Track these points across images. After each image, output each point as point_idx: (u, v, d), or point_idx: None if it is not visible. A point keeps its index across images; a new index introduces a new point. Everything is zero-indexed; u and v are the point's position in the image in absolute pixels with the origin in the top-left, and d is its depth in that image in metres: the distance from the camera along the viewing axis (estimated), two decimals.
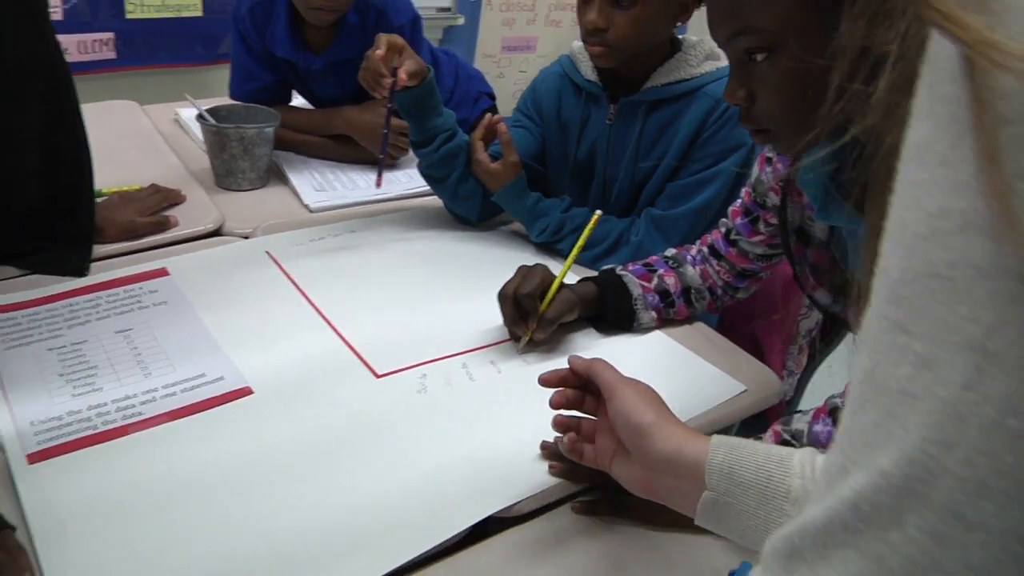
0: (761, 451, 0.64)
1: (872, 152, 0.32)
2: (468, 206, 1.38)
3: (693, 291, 1.17)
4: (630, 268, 1.16)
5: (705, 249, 1.19)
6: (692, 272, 1.17)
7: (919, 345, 0.25)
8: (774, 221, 1.07)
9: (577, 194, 1.37)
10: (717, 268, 1.17)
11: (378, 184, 1.39)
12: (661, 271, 1.16)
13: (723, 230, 1.16)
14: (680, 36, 1.30)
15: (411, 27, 1.55)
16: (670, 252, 1.20)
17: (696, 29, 1.07)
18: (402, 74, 1.21)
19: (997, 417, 0.23)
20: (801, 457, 0.62)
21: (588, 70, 1.32)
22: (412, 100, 1.27)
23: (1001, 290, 0.22)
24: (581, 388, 0.81)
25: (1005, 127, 0.22)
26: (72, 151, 1.12)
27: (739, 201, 1.14)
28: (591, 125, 1.34)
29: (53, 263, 1.15)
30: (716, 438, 0.67)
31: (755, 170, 1.10)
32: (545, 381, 0.82)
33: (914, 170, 0.25)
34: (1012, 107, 0.22)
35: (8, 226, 1.12)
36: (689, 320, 1.19)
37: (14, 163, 1.06)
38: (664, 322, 1.17)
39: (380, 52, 1.21)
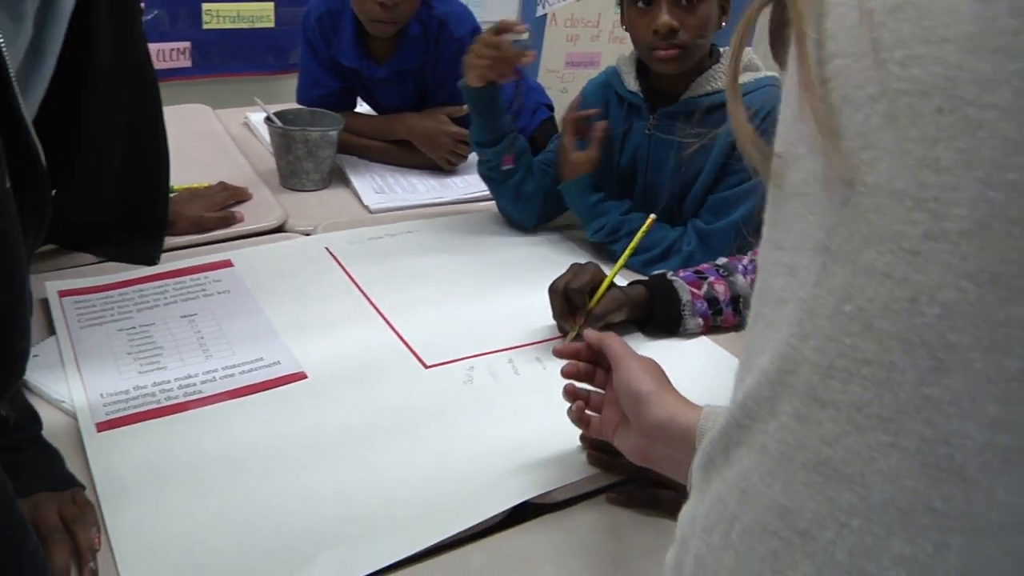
0: None
1: None
2: (528, 208, 1.42)
3: (742, 300, 1.18)
4: (681, 274, 1.17)
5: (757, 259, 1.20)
6: (743, 281, 1.18)
7: (787, 257, 0.29)
8: None
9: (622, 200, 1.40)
10: None
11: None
12: (712, 279, 1.17)
13: None
14: (722, 48, 1.32)
15: (471, 37, 1.59)
16: (721, 260, 1.21)
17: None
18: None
19: (837, 305, 0.26)
20: None
21: (631, 81, 1.35)
22: (487, 97, 1.32)
23: (835, 196, 0.26)
24: (593, 363, 0.85)
25: (833, 60, 0.26)
26: (153, 149, 1.19)
27: None
28: (633, 134, 1.37)
29: (128, 252, 1.22)
30: (708, 408, 0.69)
31: None
32: (559, 352, 0.87)
33: (784, 109, 0.30)
34: (838, 44, 0.26)
35: (91, 217, 1.19)
36: (736, 328, 1.20)
37: (102, 159, 1.13)
38: (710, 329, 1.18)
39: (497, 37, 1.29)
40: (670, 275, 1.17)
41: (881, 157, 0.25)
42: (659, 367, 0.79)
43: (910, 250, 0.25)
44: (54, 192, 1.06)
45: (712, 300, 1.16)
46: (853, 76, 0.26)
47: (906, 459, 0.25)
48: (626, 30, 1.29)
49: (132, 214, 1.22)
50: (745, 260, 1.21)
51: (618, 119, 1.38)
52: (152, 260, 1.23)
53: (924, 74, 0.24)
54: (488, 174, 1.40)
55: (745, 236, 1.29)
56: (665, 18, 1.19)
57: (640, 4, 1.22)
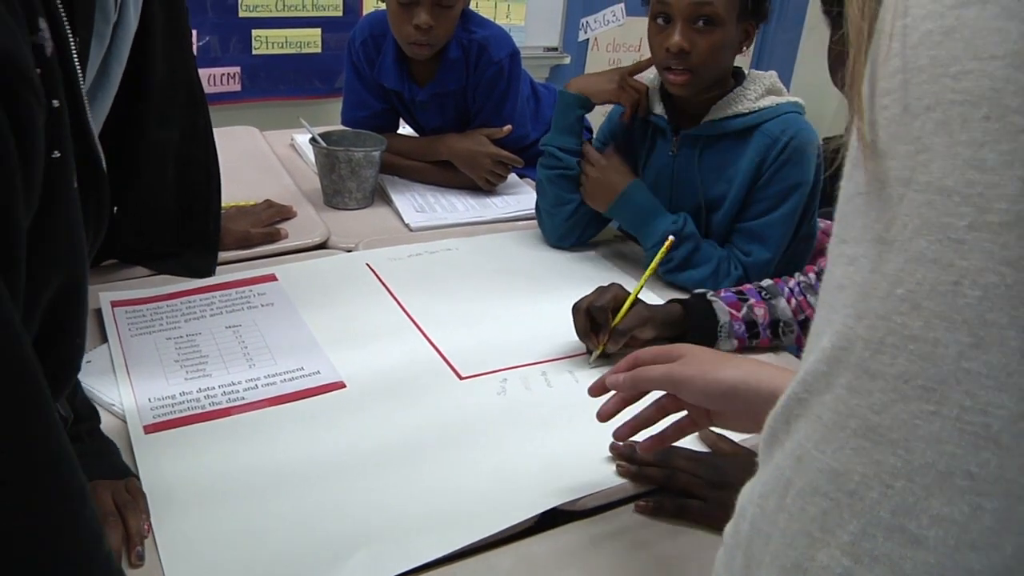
0: None
1: None
2: (575, 228, 1.45)
3: (782, 324, 1.18)
4: (722, 294, 1.18)
5: (812, 276, 1.20)
6: (784, 306, 1.18)
7: (849, 248, 0.32)
8: None
9: None
10: None
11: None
12: (752, 301, 1.17)
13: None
14: (747, 70, 1.34)
15: (510, 61, 1.63)
16: (766, 282, 1.21)
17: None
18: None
19: (890, 288, 0.29)
20: None
21: (655, 103, 1.38)
22: (584, 112, 1.40)
23: (891, 195, 0.30)
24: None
25: (896, 76, 0.30)
26: (204, 161, 1.24)
27: None
28: (656, 155, 1.40)
29: (184, 265, 1.27)
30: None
31: None
32: (594, 391, 0.85)
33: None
34: (902, 60, 0.30)
35: (149, 229, 1.24)
36: (772, 349, 1.20)
37: (158, 172, 1.18)
38: (744, 350, 1.18)
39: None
40: (710, 295, 1.18)
41: (934, 159, 0.28)
42: (694, 348, 0.80)
43: (956, 239, 0.28)
44: (115, 209, 1.12)
45: (751, 323, 1.16)
46: (912, 89, 0.29)
47: (947, 426, 0.28)
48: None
49: (186, 226, 1.26)
50: (792, 282, 1.21)
51: (643, 139, 1.41)
52: (208, 272, 1.27)
53: (974, 86, 0.27)
54: (560, 176, 1.42)
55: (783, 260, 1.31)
56: (676, 38, 1.22)
57: (659, 20, 1.25)
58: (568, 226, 1.45)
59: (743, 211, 1.32)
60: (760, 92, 1.29)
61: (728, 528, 0.37)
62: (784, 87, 1.33)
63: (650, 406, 0.83)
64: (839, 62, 0.89)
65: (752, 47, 1.31)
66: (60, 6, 0.59)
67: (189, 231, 1.27)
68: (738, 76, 1.33)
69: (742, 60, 1.33)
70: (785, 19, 3.55)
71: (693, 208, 1.36)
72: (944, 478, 0.28)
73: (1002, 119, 0.27)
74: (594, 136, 1.50)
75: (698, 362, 0.77)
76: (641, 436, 0.85)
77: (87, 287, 0.64)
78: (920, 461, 0.28)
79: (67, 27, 0.60)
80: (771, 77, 1.32)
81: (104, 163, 0.67)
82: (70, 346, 0.64)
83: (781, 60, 3.55)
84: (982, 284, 0.27)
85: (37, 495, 0.50)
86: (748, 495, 0.36)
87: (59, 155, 0.56)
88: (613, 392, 0.83)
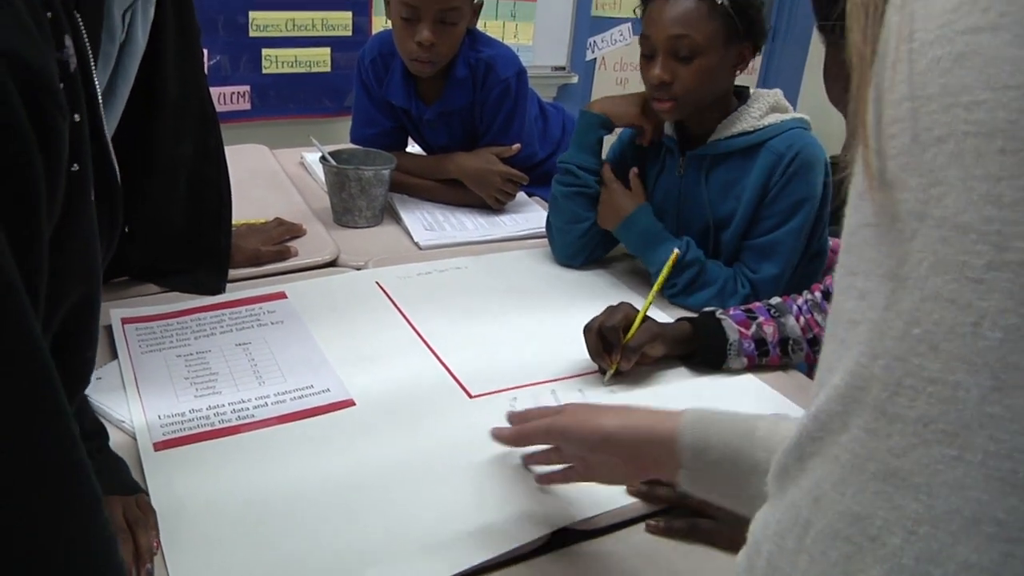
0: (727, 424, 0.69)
1: None
2: (587, 247, 1.45)
3: (791, 342, 1.17)
4: (731, 312, 1.18)
5: (818, 295, 1.20)
6: (792, 323, 1.18)
7: (860, 281, 0.31)
8: None
9: None
10: None
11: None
12: (761, 319, 1.17)
13: None
14: (752, 89, 1.35)
15: (516, 79, 1.64)
16: (775, 300, 1.21)
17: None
18: None
19: (905, 328, 0.28)
20: (766, 427, 0.66)
21: (665, 125, 1.38)
22: (606, 132, 1.40)
23: (903, 229, 0.29)
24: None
25: (903, 104, 0.29)
26: (215, 179, 1.24)
27: None
28: (665, 175, 1.41)
29: (195, 282, 1.27)
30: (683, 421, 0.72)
31: None
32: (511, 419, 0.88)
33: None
34: (910, 87, 0.29)
35: (159, 246, 1.25)
36: (782, 367, 1.20)
37: (170, 190, 1.19)
38: (754, 368, 1.18)
39: None
40: (719, 313, 1.17)
41: (948, 193, 0.27)
42: (575, 404, 0.85)
43: (974, 279, 0.27)
44: (126, 228, 1.12)
45: (760, 341, 1.16)
46: (922, 119, 0.28)
47: (971, 472, 0.27)
48: None
49: (197, 243, 1.27)
50: (800, 300, 1.20)
51: (653, 160, 1.41)
52: (218, 289, 1.28)
53: (988, 117, 0.26)
54: (574, 193, 1.42)
55: (795, 277, 1.31)
56: (656, 71, 1.25)
57: (645, 53, 1.28)
58: (579, 244, 1.45)
59: (751, 228, 1.32)
60: (764, 110, 1.30)
61: (741, 560, 0.37)
62: (789, 104, 1.33)
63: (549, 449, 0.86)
64: (834, 78, 0.89)
65: (760, 65, 1.32)
66: (82, 26, 0.60)
67: (200, 248, 1.27)
68: (742, 95, 1.34)
69: (749, 79, 1.34)
70: (791, 36, 3.57)
71: (702, 227, 1.36)
72: (971, 525, 0.27)
73: (1019, 153, 0.26)
74: (603, 155, 1.51)
75: (577, 413, 0.81)
76: None
77: (100, 301, 0.64)
78: (944, 507, 0.28)
79: (87, 45, 0.61)
80: (775, 95, 1.33)
81: (119, 177, 0.68)
82: (81, 359, 0.64)
83: (787, 78, 3.56)
84: (1003, 326, 0.26)
85: (51, 502, 0.51)
86: (761, 528, 0.35)
87: (78, 168, 0.56)
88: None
